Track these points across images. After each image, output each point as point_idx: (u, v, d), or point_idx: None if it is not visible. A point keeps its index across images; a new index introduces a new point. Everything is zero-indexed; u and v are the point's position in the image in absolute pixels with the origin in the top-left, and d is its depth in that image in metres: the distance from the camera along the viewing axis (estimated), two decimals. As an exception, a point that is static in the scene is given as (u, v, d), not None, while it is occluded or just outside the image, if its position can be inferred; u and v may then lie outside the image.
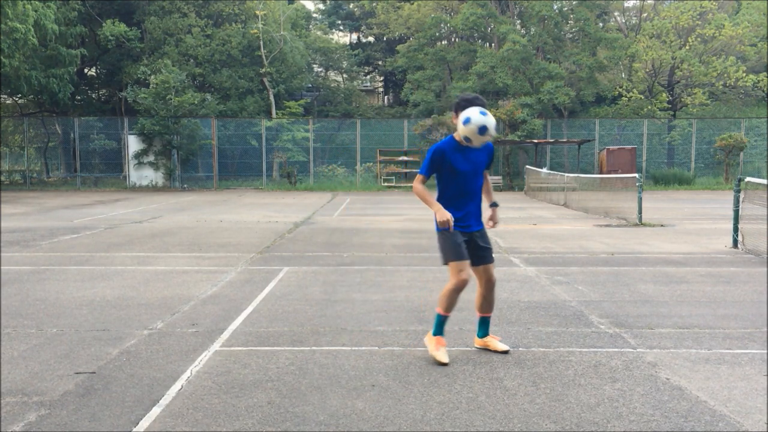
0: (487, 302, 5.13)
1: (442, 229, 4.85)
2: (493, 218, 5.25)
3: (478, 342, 5.22)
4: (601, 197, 18.31)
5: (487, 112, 4.75)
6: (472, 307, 6.60)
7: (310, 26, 48.16)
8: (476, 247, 4.96)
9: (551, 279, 8.10)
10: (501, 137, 32.06)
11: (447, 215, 4.78)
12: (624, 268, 8.92)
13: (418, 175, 4.99)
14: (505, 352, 5.06)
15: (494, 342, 5.15)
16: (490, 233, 5.22)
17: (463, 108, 4.86)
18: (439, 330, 4.94)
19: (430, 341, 4.96)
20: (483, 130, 4.67)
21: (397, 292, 7.32)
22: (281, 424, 3.75)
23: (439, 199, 4.98)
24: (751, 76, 33.34)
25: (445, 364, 4.74)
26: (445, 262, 4.91)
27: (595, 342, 5.41)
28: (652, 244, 11.38)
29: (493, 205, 5.28)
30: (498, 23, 35.49)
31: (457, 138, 4.93)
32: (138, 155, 31.66)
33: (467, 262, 4.85)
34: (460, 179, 4.91)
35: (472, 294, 7.23)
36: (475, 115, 4.69)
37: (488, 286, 5.06)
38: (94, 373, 4.62)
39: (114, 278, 8.16)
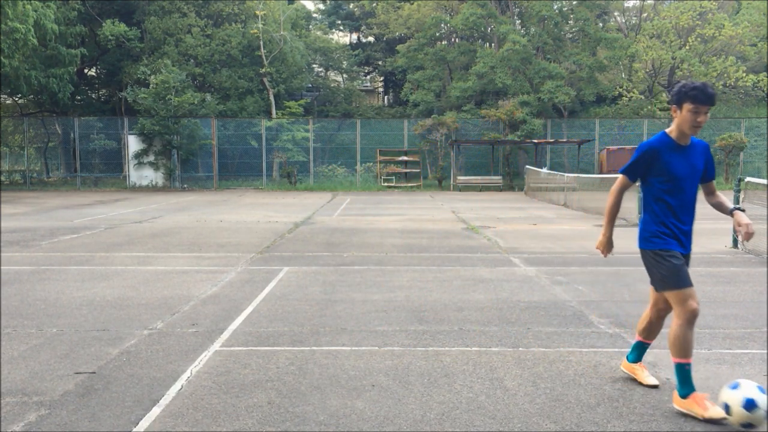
0: (652, 330, 4.40)
1: (649, 247, 4.05)
2: (741, 224, 4.11)
3: (625, 366, 4.54)
4: (601, 197, 18.29)
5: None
6: (472, 307, 6.62)
7: (310, 26, 48.09)
8: None
9: (551, 279, 8.10)
10: (501, 137, 32.04)
11: (605, 247, 4.24)
12: (624, 268, 8.91)
13: (620, 177, 4.14)
14: (655, 387, 4.32)
15: (642, 373, 4.42)
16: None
17: (691, 98, 3.87)
18: (688, 387, 3.90)
19: (689, 405, 3.88)
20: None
21: (397, 292, 7.31)
22: (281, 424, 3.75)
23: (648, 213, 4.11)
24: (751, 76, 33.34)
25: (724, 419, 3.71)
26: (663, 289, 4.04)
27: (595, 342, 5.41)
28: (652, 244, 11.36)
29: (736, 209, 4.22)
30: (498, 23, 35.46)
31: (671, 135, 4.05)
32: (138, 155, 31.66)
33: (693, 289, 3.96)
34: (676, 186, 4.02)
35: (474, 294, 7.24)
36: (756, 394, 3.62)
37: (662, 314, 4.32)
38: (94, 373, 4.62)
39: (114, 278, 8.15)
